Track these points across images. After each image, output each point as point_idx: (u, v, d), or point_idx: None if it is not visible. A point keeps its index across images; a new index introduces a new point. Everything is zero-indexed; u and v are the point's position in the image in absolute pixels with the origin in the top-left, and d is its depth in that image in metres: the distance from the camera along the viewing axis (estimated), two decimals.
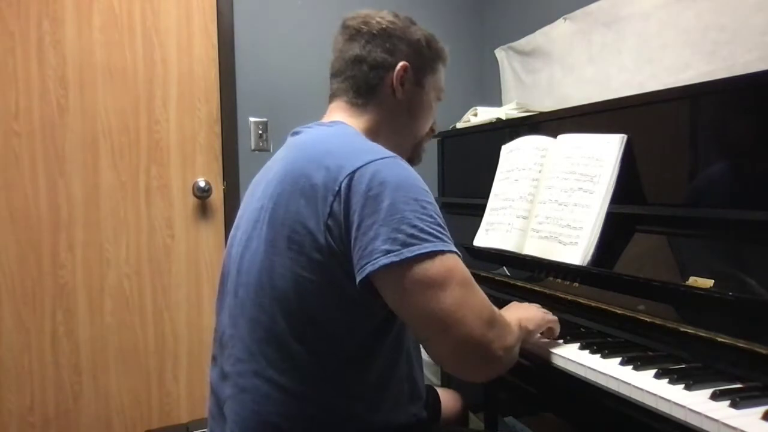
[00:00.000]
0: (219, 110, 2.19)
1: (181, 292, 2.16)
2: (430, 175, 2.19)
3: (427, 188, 0.87)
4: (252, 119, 2.24)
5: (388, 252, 0.79)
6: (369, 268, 0.80)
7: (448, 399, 1.35)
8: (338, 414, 0.89)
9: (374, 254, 0.80)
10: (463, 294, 0.81)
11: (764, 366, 0.83)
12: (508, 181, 1.52)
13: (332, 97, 1.08)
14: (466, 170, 2.00)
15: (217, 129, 2.20)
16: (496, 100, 2.41)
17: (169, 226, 2.14)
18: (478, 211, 1.60)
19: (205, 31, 2.16)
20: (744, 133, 1.05)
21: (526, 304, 1.11)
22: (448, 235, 0.85)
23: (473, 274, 1.54)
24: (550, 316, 1.07)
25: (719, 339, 0.90)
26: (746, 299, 0.90)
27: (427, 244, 0.81)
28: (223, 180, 2.20)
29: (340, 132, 0.98)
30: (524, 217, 1.41)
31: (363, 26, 1.03)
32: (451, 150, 2.08)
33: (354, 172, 0.83)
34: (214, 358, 1.04)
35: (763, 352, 0.83)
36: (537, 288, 1.33)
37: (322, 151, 0.90)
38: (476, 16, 2.63)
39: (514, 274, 1.44)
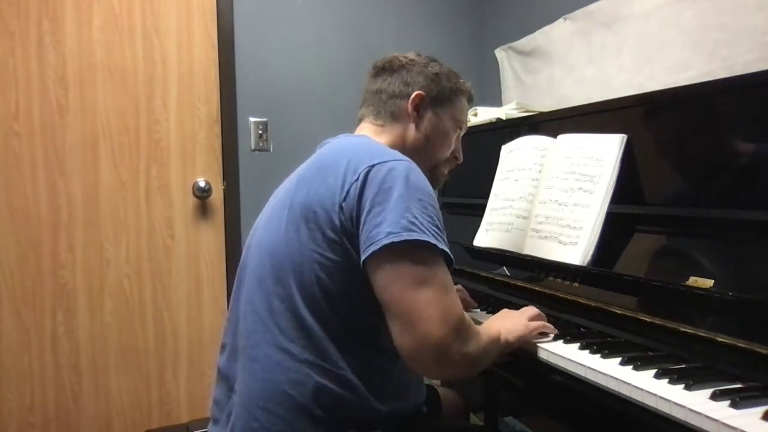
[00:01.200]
0: (219, 110, 2.19)
1: (181, 292, 2.16)
2: None
3: (433, 194, 0.95)
4: (252, 119, 2.24)
5: (389, 233, 0.87)
6: (372, 248, 0.87)
7: (449, 398, 1.35)
8: (345, 389, 0.92)
9: (379, 236, 0.87)
10: (438, 295, 0.88)
11: (764, 366, 0.83)
12: (508, 181, 1.52)
13: (359, 120, 1.19)
14: (466, 170, 1.99)
15: (217, 129, 2.20)
16: (496, 100, 2.41)
17: (169, 226, 2.14)
18: (478, 211, 1.60)
19: (205, 31, 2.16)
20: (744, 133, 1.05)
21: (511, 313, 1.13)
22: (445, 239, 0.92)
23: (473, 274, 1.54)
24: (534, 324, 1.08)
25: (719, 339, 0.90)
26: (746, 299, 0.90)
27: (424, 235, 0.88)
28: (223, 180, 2.20)
29: (364, 140, 1.08)
30: (524, 217, 1.41)
31: (387, 65, 1.17)
32: None
33: (373, 165, 0.92)
34: (223, 347, 1.07)
35: (763, 352, 0.83)
36: (537, 288, 1.33)
37: (347, 149, 1.00)
38: (476, 16, 2.63)
39: (514, 274, 1.44)
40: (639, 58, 1.73)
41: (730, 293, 0.92)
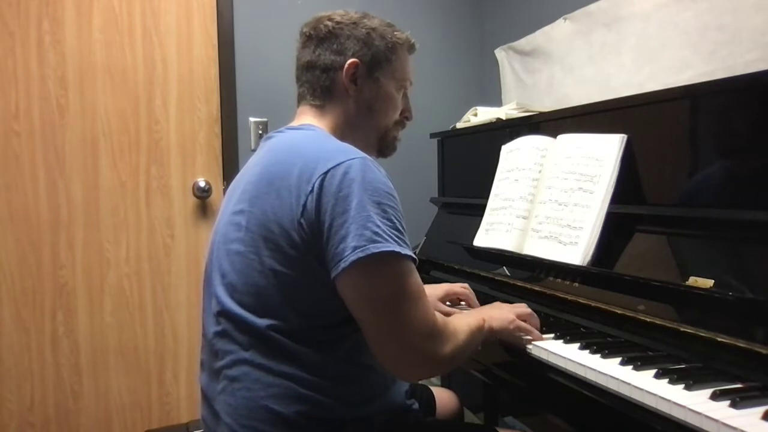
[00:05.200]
0: (219, 110, 2.19)
1: (181, 292, 2.16)
2: (430, 175, 2.19)
3: (391, 191, 0.92)
4: (252, 119, 2.24)
5: (356, 248, 0.85)
6: (342, 265, 0.85)
7: (444, 398, 1.35)
8: (327, 395, 0.92)
9: (346, 251, 0.85)
10: (410, 307, 0.88)
11: (764, 366, 0.83)
12: (508, 181, 1.52)
13: (298, 100, 1.12)
14: (466, 170, 2.00)
15: (217, 129, 2.20)
16: (496, 100, 2.41)
17: (169, 226, 2.14)
18: (478, 211, 1.60)
19: (205, 31, 2.17)
20: (744, 133, 1.05)
21: (502, 306, 1.15)
22: (406, 240, 0.91)
23: (473, 274, 1.54)
24: (520, 323, 1.09)
25: (719, 339, 0.90)
26: (746, 299, 0.90)
27: (389, 245, 0.86)
28: (223, 180, 2.20)
29: (309, 134, 1.02)
30: (524, 217, 1.41)
31: (312, 32, 1.07)
32: (451, 150, 2.08)
33: (326, 173, 0.88)
34: (202, 364, 1.05)
35: (763, 352, 0.83)
36: (537, 288, 1.33)
37: (295, 153, 0.95)
38: (476, 16, 2.63)
39: (514, 274, 1.44)
40: (639, 58, 1.73)
41: (730, 293, 0.92)
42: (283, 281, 0.90)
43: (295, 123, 1.09)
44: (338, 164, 0.88)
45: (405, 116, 1.15)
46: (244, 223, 0.95)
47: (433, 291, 1.38)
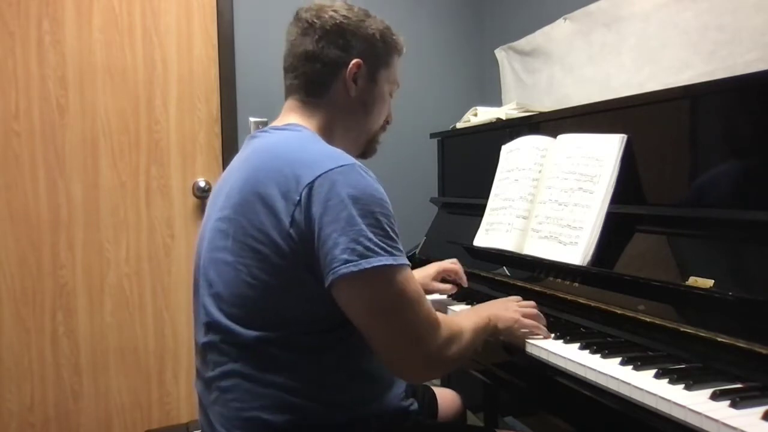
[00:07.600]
0: (219, 110, 2.19)
1: (181, 292, 2.16)
2: (430, 175, 2.19)
3: (381, 195, 0.89)
4: (252, 119, 2.23)
5: (347, 261, 0.83)
6: (331, 277, 0.84)
7: (446, 398, 1.35)
8: (321, 402, 0.91)
9: (334, 263, 0.83)
10: (410, 312, 0.87)
11: (764, 366, 0.83)
12: (508, 181, 1.52)
13: (287, 93, 1.07)
14: (466, 170, 2.00)
15: (217, 129, 2.20)
16: (496, 100, 2.41)
17: (169, 226, 2.14)
18: (478, 211, 1.60)
19: (205, 31, 2.17)
20: (744, 133, 1.05)
21: (507, 305, 1.15)
22: (399, 246, 0.89)
23: (473, 274, 1.54)
24: (526, 322, 1.10)
25: (719, 339, 0.90)
26: (746, 299, 0.90)
27: (381, 258, 0.84)
28: None
29: (295, 136, 0.98)
30: (524, 217, 1.41)
31: (315, 20, 1.02)
32: (451, 150, 2.08)
33: (313, 181, 0.85)
34: (197, 372, 1.04)
35: (763, 352, 0.83)
36: (537, 288, 1.33)
37: (281, 159, 0.91)
38: (476, 16, 2.63)
39: (514, 274, 1.44)
40: (639, 58, 1.73)
41: (730, 293, 0.92)
42: (271, 291, 0.88)
43: (279, 122, 1.04)
44: (326, 172, 0.86)
45: (387, 120, 1.14)
46: (231, 232, 0.92)
47: (426, 272, 1.40)
